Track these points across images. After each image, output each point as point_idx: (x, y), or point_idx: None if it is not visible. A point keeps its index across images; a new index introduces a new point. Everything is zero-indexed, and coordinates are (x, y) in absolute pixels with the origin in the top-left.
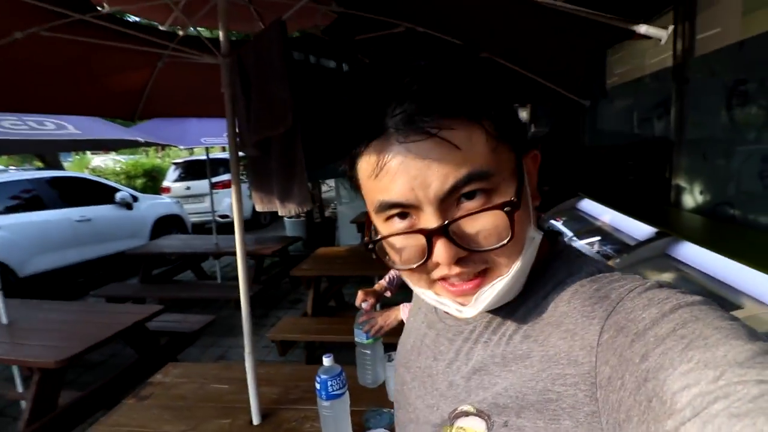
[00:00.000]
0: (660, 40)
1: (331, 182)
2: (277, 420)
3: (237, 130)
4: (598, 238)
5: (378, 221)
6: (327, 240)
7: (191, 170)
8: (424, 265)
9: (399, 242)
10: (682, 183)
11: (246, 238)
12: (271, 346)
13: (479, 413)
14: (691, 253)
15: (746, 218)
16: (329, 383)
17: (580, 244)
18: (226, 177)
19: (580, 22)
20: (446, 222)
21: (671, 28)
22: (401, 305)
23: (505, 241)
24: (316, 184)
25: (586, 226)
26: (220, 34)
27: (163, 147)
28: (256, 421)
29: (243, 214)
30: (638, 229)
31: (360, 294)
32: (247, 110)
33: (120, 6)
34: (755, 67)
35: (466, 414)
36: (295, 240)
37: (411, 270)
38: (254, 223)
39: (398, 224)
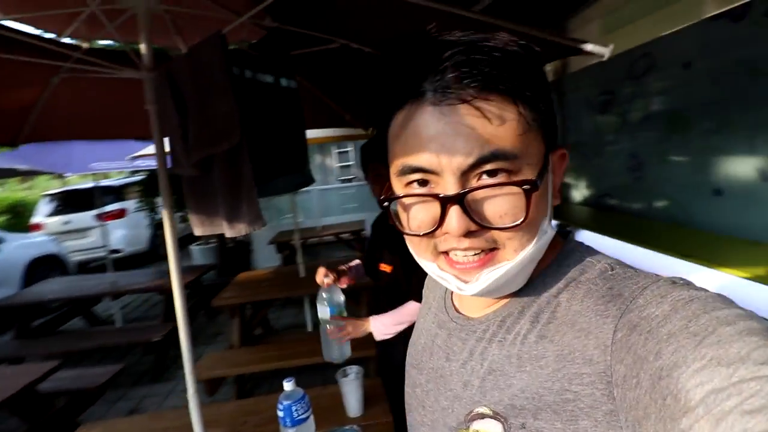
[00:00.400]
0: (603, 56)
1: None
2: None
3: (169, 150)
4: None
5: (397, 185)
6: (242, 265)
7: (70, 202)
8: (434, 233)
9: (414, 207)
10: (571, 181)
11: (149, 273)
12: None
13: (495, 415)
14: (585, 238)
15: (622, 206)
16: (293, 408)
17: None
18: (115, 206)
19: (533, 40)
20: (463, 190)
21: (612, 46)
22: (371, 318)
23: (519, 222)
24: None
25: None
26: (142, 47)
27: (28, 177)
28: None
29: (141, 246)
30: None
31: (321, 270)
32: (182, 128)
33: (12, 14)
34: (612, 82)
35: (482, 416)
36: (208, 268)
37: (419, 238)
38: (152, 255)
39: (416, 190)
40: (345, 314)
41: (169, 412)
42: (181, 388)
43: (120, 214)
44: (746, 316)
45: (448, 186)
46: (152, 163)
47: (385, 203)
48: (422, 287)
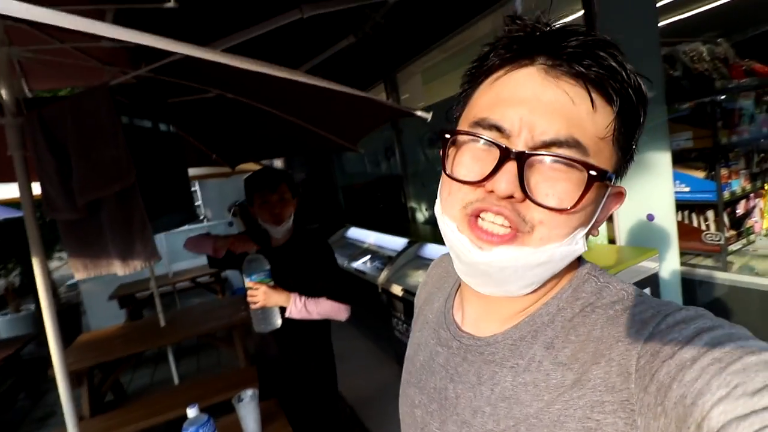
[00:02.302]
0: (427, 119)
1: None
2: None
3: (40, 194)
4: (369, 256)
5: (465, 137)
6: (72, 330)
7: None
8: (477, 184)
9: (471, 152)
10: (413, 204)
11: None
12: None
13: None
14: (431, 250)
15: None
16: None
17: (356, 264)
18: None
19: (375, 104)
20: (529, 150)
21: (431, 113)
22: (293, 294)
23: (565, 206)
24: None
25: (356, 250)
26: (3, 92)
27: None
28: None
29: None
30: (395, 242)
31: (237, 240)
32: (60, 173)
33: None
34: (434, 123)
35: None
36: (28, 339)
37: (459, 186)
38: None
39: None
40: (271, 282)
41: None
42: None
43: None
44: (766, 346)
45: (517, 147)
46: None
47: (447, 135)
48: (340, 288)
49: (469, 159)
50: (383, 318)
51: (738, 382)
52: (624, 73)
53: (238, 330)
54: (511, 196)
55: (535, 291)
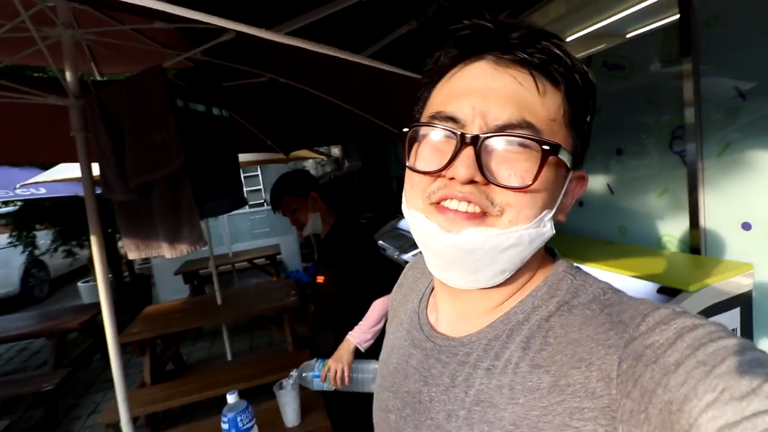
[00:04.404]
0: None
1: None
2: None
3: (99, 176)
4: (419, 249)
5: (425, 130)
6: (143, 300)
7: None
8: (438, 174)
9: (430, 142)
10: None
11: (27, 317)
12: None
13: None
14: None
15: None
16: (239, 419)
17: (407, 256)
18: None
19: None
20: (483, 134)
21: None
22: (348, 336)
23: (526, 183)
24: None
25: (408, 242)
26: (68, 74)
27: None
28: None
29: (10, 288)
30: None
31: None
32: (116, 155)
33: None
34: None
35: None
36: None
37: (419, 177)
38: (25, 298)
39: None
40: (326, 360)
41: None
42: None
43: None
44: (750, 346)
45: (471, 132)
46: (39, 192)
47: (405, 129)
48: (379, 280)
49: (429, 151)
50: None
51: (725, 386)
52: (567, 59)
53: (287, 313)
54: (472, 181)
55: (508, 284)
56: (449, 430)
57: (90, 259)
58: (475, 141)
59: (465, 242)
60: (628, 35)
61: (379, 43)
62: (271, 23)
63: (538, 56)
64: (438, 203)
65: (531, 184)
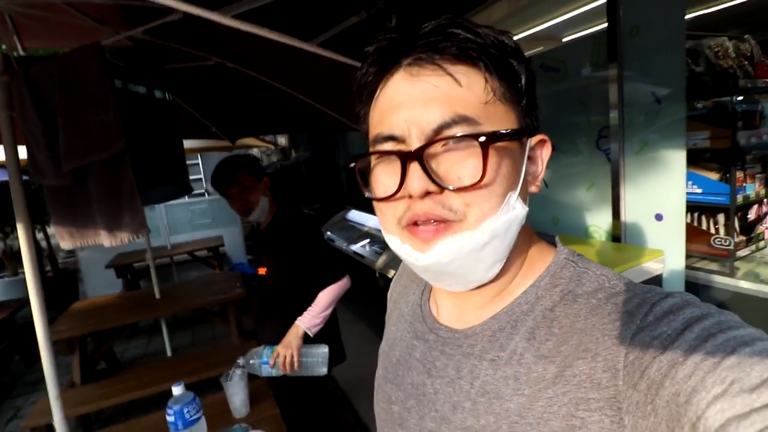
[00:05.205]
0: None
1: None
2: None
3: (26, 158)
4: (368, 240)
5: (373, 159)
6: (68, 297)
7: None
8: (396, 196)
9: (380, 170)
10: None
11: None
12: None
13: None
14: None
15: None
16: (185, 410)
17: (355, 247)
18: None
19: None
20: (422, 145)
21: None
22: (296, 322)
23: (476, 179)
24: (38, 228)
25: (356, 233)
26: None
27: None
28: None
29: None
30: None
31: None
32: (47, 136)
33: None
34: None
35: None
36: (23, 304)
37: (386, 204)
38: None
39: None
40: (275, 347)
41: None
42: None
43: None
44: (761, 336)
45: (413, 146)
46: None
47: (351, 164)
48: (326, 268)
49: (383, 176)
50: (380, 302)
51: (734, 378)
52: (477, 38)
53: (232, 306)
54: (428, 193)
55: (504, 272)
56: (454, 421)
57: (4, 252)
58: (417, 154)
59: (441, 256)
60: (564, 39)
61: (328, 32)
62: (218, 4)
63: (448, 46)
64: (409, 225)
65: (481, 179)
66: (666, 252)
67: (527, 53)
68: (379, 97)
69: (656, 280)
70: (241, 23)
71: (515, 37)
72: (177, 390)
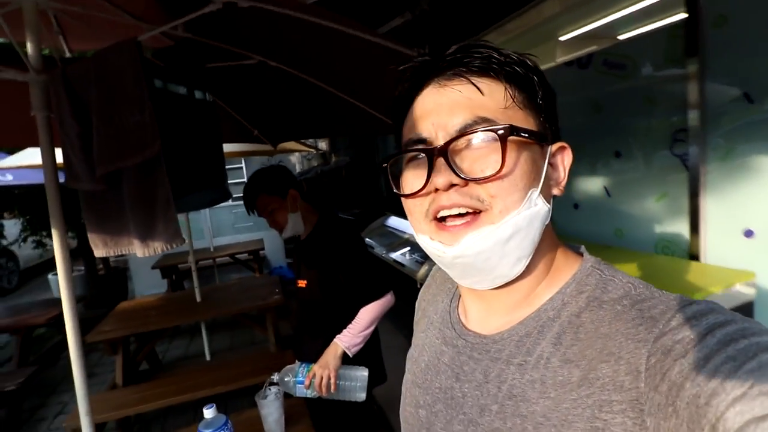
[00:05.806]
0: None
1: None
2: None
3: (62, 162)
4: (408, 248)
5: (404, 163)
6: (117, 295)
7: None
8: (424, 192)
9: (409, 169)
10: None
11: None
12: None
13: None
14: None
15: None
16: None
17: (395, 255)
18: None
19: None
20: (446, 141)
21: None
22: (335, 340)
23: (497, 169)
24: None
25: (396, 240)
26: (29, 46)
27: None
28: None
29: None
30: None
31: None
32: (82, 139)
33: None
34: None
35: None
36: (76, 300)
37: (414, 201)
38: None
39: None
40: (312, 365)
41: None
42: None
43: None
44: None
45: (438, 144)
46: (6, 179)
47: (384, 164)
48: (369, 283)
49: (411, 175)
50: None
51: (754, 381)
52: (498, 55)
53: (271, 312)
54: (453, 185)
55: (529, 273)
56: (482, 423)
57: None
58: (443, 150)
59: (467, 248)
60: (627, 35)
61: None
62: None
63: (477, 62)
64: (438, 220)
65: (501, 168)
66: (758, 274)
67: (588, 50)
68: (411, 109)
69: (746, 308)
70: (281, 7)
71: (565, 36)
72: (209, 413)
